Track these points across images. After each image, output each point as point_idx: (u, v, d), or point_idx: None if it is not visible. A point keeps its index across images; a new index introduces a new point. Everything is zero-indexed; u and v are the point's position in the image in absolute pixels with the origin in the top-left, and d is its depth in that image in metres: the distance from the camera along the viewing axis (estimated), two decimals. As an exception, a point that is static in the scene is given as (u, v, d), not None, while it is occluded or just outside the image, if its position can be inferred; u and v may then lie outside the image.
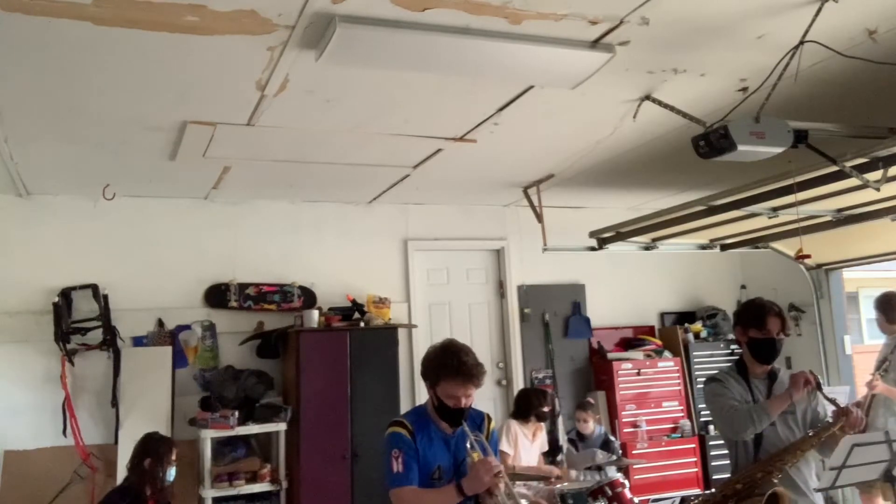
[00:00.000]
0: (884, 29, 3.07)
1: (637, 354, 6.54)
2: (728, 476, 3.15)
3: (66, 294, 5.16)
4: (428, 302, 6.34)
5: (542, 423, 5.19)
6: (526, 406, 5.09)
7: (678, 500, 5.36)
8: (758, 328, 3.07)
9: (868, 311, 12.20)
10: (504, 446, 4.91)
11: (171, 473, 3.63)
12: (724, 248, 6.03)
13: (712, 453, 6.30)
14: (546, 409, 5.05)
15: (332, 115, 3.86)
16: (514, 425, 5.01)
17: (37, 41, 2.83)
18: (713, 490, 3.21)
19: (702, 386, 3.27)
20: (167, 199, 5.59)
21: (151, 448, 3.64)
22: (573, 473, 5.12)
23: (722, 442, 6.34)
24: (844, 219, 4.69)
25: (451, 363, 2.68)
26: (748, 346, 3.11)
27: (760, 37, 3.10)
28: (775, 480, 2.88)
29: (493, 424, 2.92)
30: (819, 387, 2.99)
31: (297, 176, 5.18)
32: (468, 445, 2.72)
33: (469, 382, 2.66)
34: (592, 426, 5.38)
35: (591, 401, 5.74)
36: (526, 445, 5.00)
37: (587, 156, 4.89)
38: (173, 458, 3.65)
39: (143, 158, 4.53)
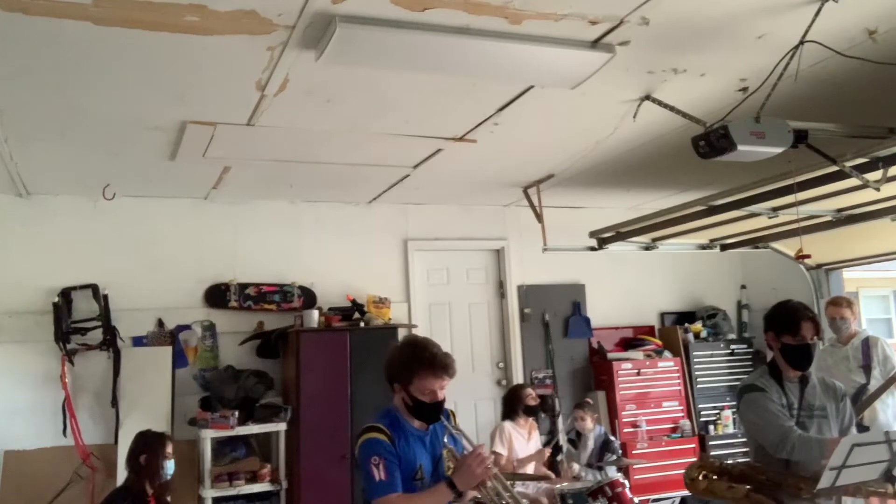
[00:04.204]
0: (884, 29, 3.08)
1: (637, 354, 6.54)
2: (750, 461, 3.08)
3: (66, 294, 5.16)
4: (428, 302, 6.34)
5: (536, 422, 5.19)
6: (511, 403, 5.10)
7: (678, 500, 5.36)
8: (791, 334, 2.95)
9: (868, 311, 12.23)
10: (497, 447, 4.91)
11: (170, 467, 3.62)
12: (724, 248, 6.02)
13: (712, 453, 6.30)
14: (532, 402, 5.04)
15: (331, 115, 3.86)
16: (507, 426, 5.01)
17: (37, 41, 2.83)
18: (733, 462, 3.14)
19: (739, 391, 3.14)
20: (167, 199, 5.59)
21: (145, 444, 3.63)
22: (575, 467, 5.12)
23: (723, 442, 6.43)
24: (844, 219, 4.68)
25: (423, 357, 2.62)
26: (781, 352, 3.00)
27: (760, 37, 3.10)
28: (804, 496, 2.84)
29: (457, 419, 2.87)
30: None
31: (297, 176, 5.18)
32: (445, 440, 2.69)
33: (444, 373, 2.61)
34: (590, 424, 5.38)
35: (590, 401, 5.75)
36: (522, 444, 4.99)
37: (587, 156, 4.89)
38: (169, 451, 3.63)
39: (143, 158, 4.53)
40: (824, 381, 3.13)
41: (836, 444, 2.74)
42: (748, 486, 2.93)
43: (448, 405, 2.74)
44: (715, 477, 3.01)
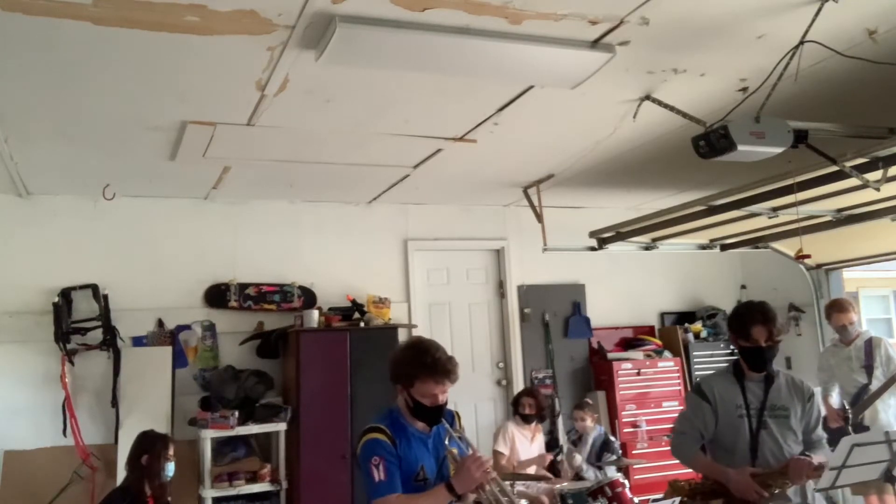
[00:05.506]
0: (884, 29, 3.08)
1: (637, 354, 6.54)
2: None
3: (66, 294, 5.16)
4: (428, 302, 6.34)
5: (540, 425, 5.24)
6: (514, 407, 5.24)
7: (678, 501, 5.35)
8: (744, 338, 3.06)
9: (868, 311, 12.22)
10: (500, 446, 4.93)
11: (170, 469, 3.62)
12: (724, 248, 6.03)
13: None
14: (527, 412, 5.08)
15: (332, 115, 3.86)
16: (511, 426, 5.05)
17: (37, 41, 2.83)
18: (701, 479, 3.20)
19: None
20: (167, 199, 5.59)
21: (147, 445, 3.63)
22: (578, 459, 5.13)
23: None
24: (844, 219, 4.69)
25: (425, 362, 2.59)
26: (739, 353, 3.14)
27: (760, 37, 3.10)
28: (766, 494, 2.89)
29: (462, 421, 2.87)
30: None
31: (297, 176, 5.18)
32: (446, 442, 2.68)
33: (446, 379, 2.59)
34: (590, 424, 5.39)
35: (590, 401, 5.75)
36: (525, 446, 5.01)
37: (587, 156, 4.89)
38: (170, 453, 3.63)
39: (143, 158, 4.53)
40: (793, 380, 3.17)
41: (703, 460, 3.10)
42: (721, 500, 3.00)
43: (448, 405, 2.72)
44: (687, 500, 3.08)
